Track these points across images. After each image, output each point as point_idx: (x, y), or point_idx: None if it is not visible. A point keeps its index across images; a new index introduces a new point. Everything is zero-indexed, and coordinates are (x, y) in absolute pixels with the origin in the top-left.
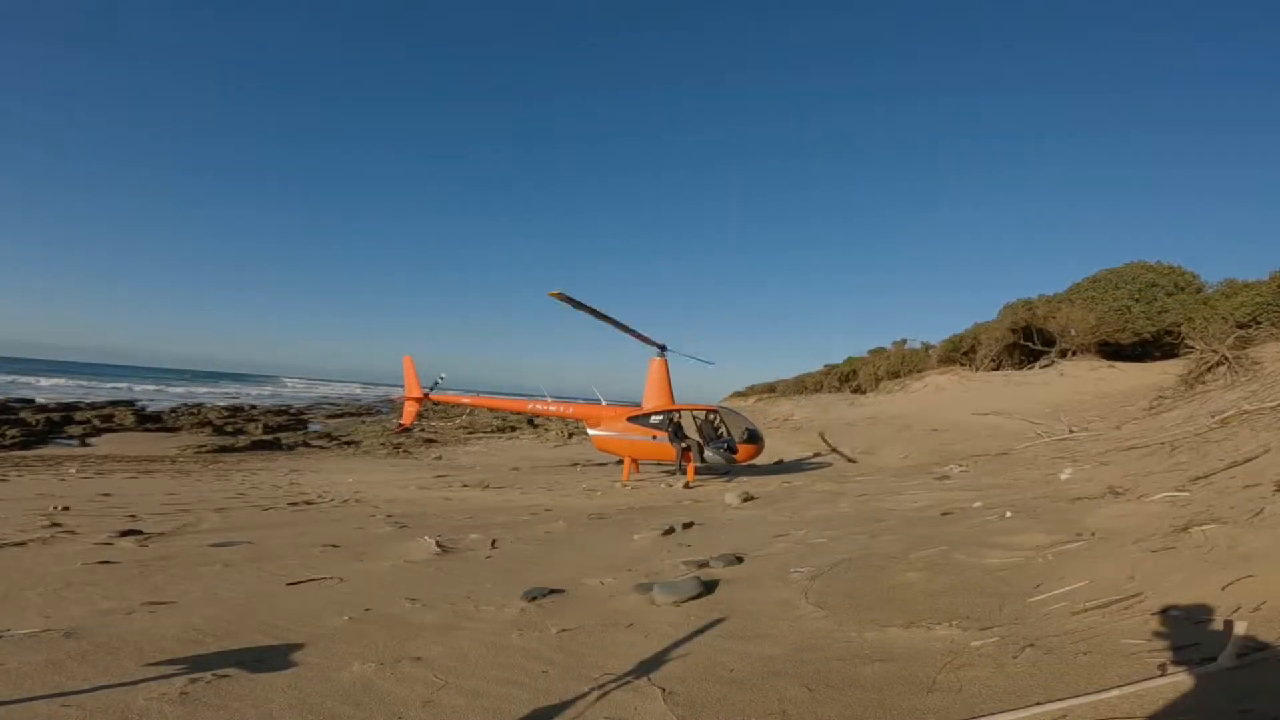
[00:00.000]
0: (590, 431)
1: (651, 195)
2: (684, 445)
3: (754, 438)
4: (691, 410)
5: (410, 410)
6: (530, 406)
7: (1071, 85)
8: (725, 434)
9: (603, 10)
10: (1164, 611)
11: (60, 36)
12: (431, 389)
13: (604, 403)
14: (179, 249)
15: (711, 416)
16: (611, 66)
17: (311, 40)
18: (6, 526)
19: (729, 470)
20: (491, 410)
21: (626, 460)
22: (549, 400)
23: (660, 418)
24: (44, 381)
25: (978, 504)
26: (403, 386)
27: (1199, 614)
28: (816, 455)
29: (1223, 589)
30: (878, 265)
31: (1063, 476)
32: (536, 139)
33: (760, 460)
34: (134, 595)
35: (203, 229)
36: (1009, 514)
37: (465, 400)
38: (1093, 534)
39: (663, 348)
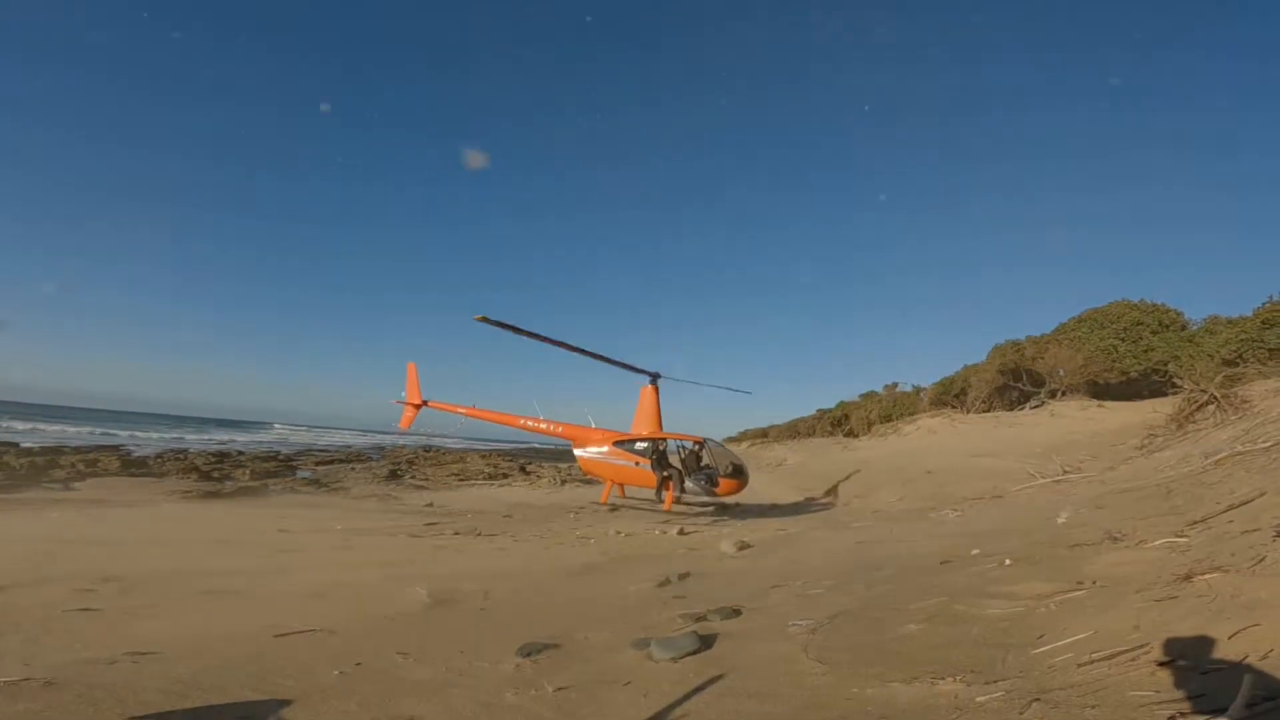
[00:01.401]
0: (576, 451)
1: (620, 230)
2: (665, 474)
3: (738, 473)
4: (679, 440)
5: (408, 415)
6: (522, 422)
7: (1062, 113)
8: (709, 467)
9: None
10: (1171, 662)
11: (58, 51)
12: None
13: (593, 425)
14: (166, 281)
15: (697, 448)
16: (598, 85)
17: (306, 57)
18: None
19: (725, 507)
20: (485, 421)
21: (608, 483)
22: (540, 418)
23: (646, 445)
24: (26, 425)
25: (976, 551)
26: (402, 400)
27: (1206, 664)
28: (810, 500)
29: (1229, 638)
30: (867, 307)
31: (1059, 521)
32: (535, 160)
33: (755, 503)
34: (115, 644)
35: (191, 259)
36: (1008, 561)
37: (461, 410)
38: (1094, 582)
39: (655, 376)
